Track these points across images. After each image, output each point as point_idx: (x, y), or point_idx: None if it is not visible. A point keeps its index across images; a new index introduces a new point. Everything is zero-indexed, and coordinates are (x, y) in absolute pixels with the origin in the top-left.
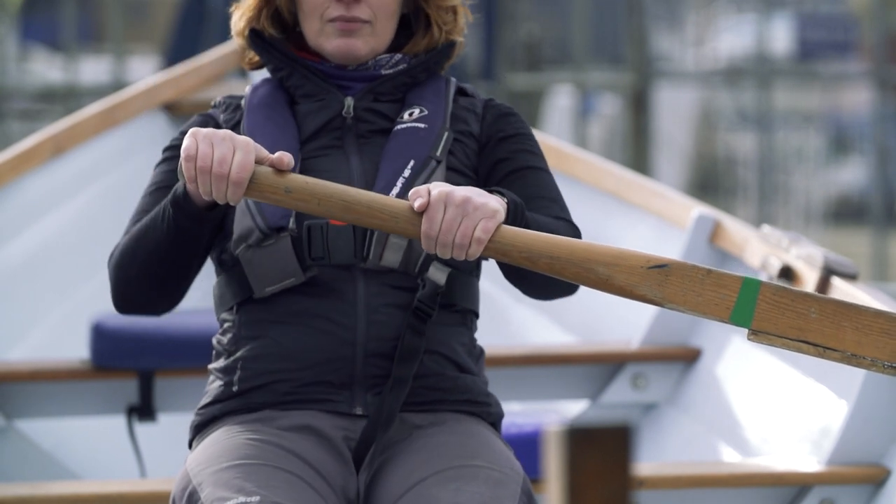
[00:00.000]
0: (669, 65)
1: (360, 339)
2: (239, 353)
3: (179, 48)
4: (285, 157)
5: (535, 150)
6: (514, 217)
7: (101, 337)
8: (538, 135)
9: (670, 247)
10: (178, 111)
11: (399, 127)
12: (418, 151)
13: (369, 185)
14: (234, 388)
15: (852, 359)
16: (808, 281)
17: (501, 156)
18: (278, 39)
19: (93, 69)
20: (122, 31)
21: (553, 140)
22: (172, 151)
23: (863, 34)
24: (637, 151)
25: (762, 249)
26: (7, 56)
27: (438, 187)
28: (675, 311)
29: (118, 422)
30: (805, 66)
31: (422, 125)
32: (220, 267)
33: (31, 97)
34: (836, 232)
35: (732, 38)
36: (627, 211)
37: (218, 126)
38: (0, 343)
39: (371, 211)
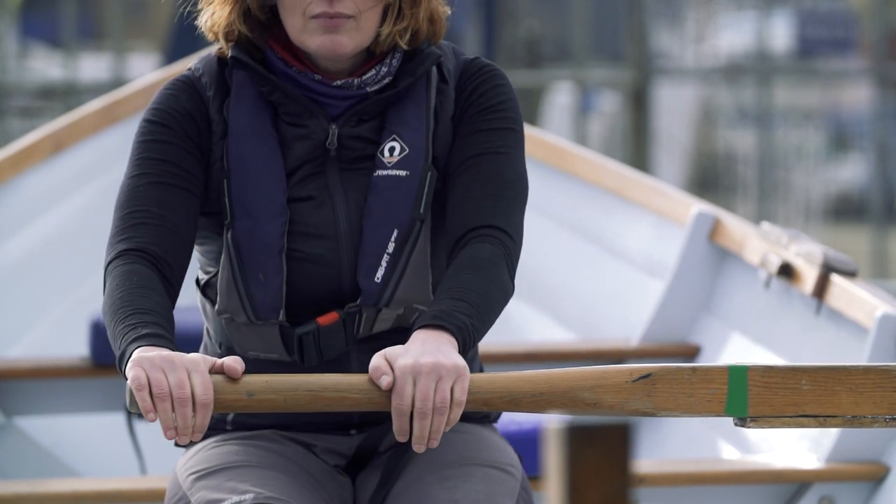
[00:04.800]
0: (669, 62)
1: None
2: None
3: (179, 45)
4: (235, 365)
5: (501, 125)
6: (463, 347)
7: (101, 334)
8: (538, 131)
9: (670, 244)
10: None
11: (379, 174)
12: (401, 214)
13: (356, 244)
14: (228, 419)
15: (854, 421)
16: (808, 278)
17: (465, 135)
18: (258, 58)
19: (93, 66)
20: (121, 28)
21: (553, 137)
22: (154, 128)
23: (863, 31)
24: (637, 149)
25: (762, 247)
26: (7, 53)
27: (400, 358)
28: (674, 309)
29: (117, 419)
30: (805, 63)
31: (403, 173)
32: (204, 291)
33: (31, 94)
34: (835, 229)
35: (732, 36)
36: (627, 208)
37: (201, 97)
38: (0, 340)
39: (339, 395)
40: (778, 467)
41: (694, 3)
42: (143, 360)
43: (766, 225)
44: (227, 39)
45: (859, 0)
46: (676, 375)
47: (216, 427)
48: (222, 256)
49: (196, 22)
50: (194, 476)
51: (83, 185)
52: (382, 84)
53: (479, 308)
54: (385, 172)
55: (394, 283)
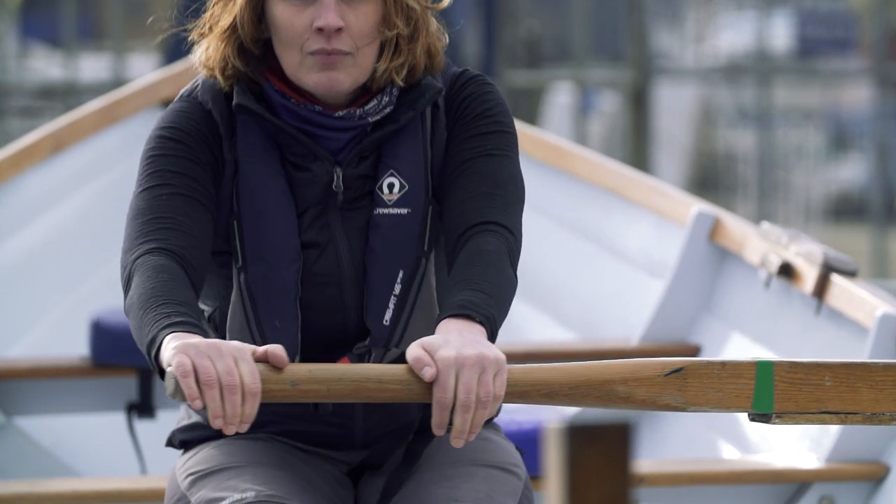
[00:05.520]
0: (669, 62)
1: (359, 427)
2: None
3: (179, 45)
4: (280, 353)
5: (492, 129)
6: (490, 337)
7: (101, 334)
8: (538, 131)
9: (670, 244)
10: None
11: (380, 212)
12: (405, 254)
13: (361, 287)
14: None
15: (873, 418)
16: (808, 278)
17: (458, 142)
18: (256, 91)
19: (93, 66)
20: (121, 28)
21: (553, 137)
22: (172, 144)
23: (863, 31)
24: (637, 148)
25: (762, 246)
26: (7, 53)
27: (441, 349)
28: (674, 309)
29: (118, 419)
30: (805, 63)
31: (404, 211)
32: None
33: (31, 94)
34: (835, 229)
35: (732, 36)
36: (627, 208)
37: (216, 131)
38: (0, 340)
39: (381, 386)
40: (778, 467)
41: (694, 3)
42: (189, 347)
43: (766, 225)
44: (223, 75)
45: (859, 0)
46: (707, 370)
47: (213, 433)
48: (233, 299)
49: (188, 47)
50: (194, 476)
51: (83, 185)
52: (384, 114)
53: (497, 299)
54: (386, 211)
55: (403, 324)
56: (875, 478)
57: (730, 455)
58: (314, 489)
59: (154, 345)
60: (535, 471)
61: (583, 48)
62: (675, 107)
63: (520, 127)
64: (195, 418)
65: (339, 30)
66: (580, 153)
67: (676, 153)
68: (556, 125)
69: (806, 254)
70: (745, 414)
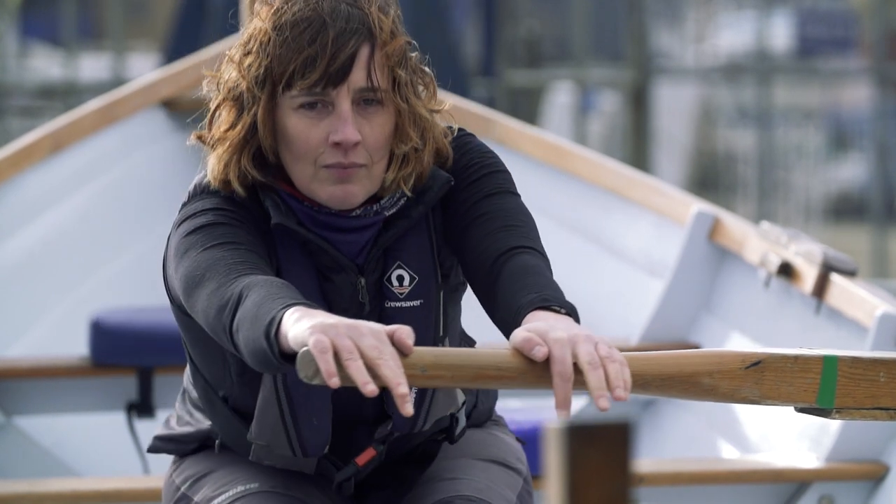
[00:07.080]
0: (669, 61)
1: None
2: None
3: (179, 45)
4: (406, 338)
5: (483, 172)
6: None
7: (101, 334)
8: (538, 131)
9: (670, 244)
10: (177, 108)
11: (392, 306)
12: (422, 344)
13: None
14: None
15: None
16: (808, 277)
17: (456, 196)
18: (292, 219)
19: (93, 66)
20: (121, 27)
21: (553, 137)
22: (229, 220)
23: (863, 31)
24: (637, 148)
25: (761, 246)
26: (7, 53)
27: (551, 332)
28: (674, 308)
29: (118, 419)
30: (805, 62)
31: (416, 303)
32: (205, 381)
33: (31, 94)
34: (835, 228)
35: (732, 35)
36: (627, 208)
37: (258, 223)
38: (0, 340)
39: (500, 373)
40: (778, 467)
41: (694, 3)
42: (328, 328)
43: (765, 224)
44: (241, 183)
45: (859, 0)
46: (781, 363)
47: (207, 444)
48: (265, 396)
49: (198, 22)
50: (193, 478)
51: (82, 185)
52: (399, 206)
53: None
54: (398, 304)
55: (426, 409)
56: (875, 477)
57: (730, 455)
58: (314, 486)
59: (273, 324)
60: (535, 470)
61: (583, 48)
62: (674, 107)
63: (520, 127)
64: (183, 428)
65: (355, 144)
66: (580, 153)
67: (676, 153)
68: (556, 125)
69: (805, 253)
70: (745, 414)
